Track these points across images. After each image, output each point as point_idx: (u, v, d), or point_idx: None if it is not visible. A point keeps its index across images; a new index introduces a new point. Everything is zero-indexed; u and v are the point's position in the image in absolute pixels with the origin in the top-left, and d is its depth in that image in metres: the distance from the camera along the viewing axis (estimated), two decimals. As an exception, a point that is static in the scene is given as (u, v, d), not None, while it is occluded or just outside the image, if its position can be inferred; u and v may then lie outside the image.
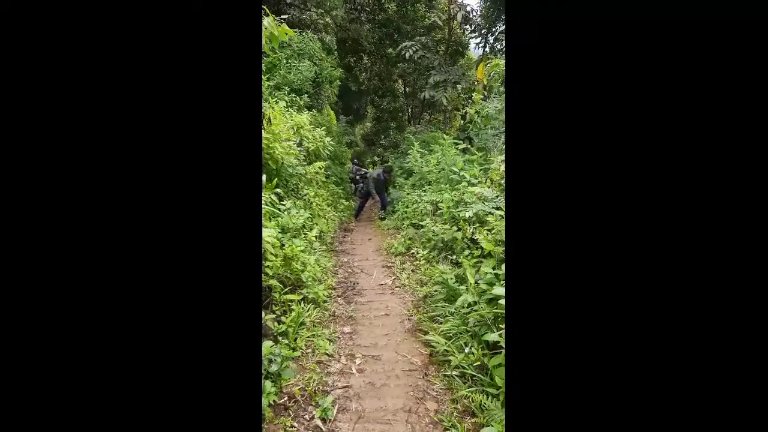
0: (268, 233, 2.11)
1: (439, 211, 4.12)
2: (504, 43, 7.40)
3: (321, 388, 1.94)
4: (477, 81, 6.37)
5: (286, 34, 1.87)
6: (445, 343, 2.15)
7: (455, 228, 3.36)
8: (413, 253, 3.89)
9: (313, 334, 2.38)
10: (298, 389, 1.87)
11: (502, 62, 3.72)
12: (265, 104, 3.72)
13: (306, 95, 5.46)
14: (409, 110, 11.77)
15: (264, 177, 2.41)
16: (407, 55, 7.54)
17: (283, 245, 2.50)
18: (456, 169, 4.24)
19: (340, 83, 8.14)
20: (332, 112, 8.44)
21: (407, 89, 11.49)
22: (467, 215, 2.97)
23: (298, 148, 3.74)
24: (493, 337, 1.72)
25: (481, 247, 2.54)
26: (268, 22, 1.70)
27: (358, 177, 9.67)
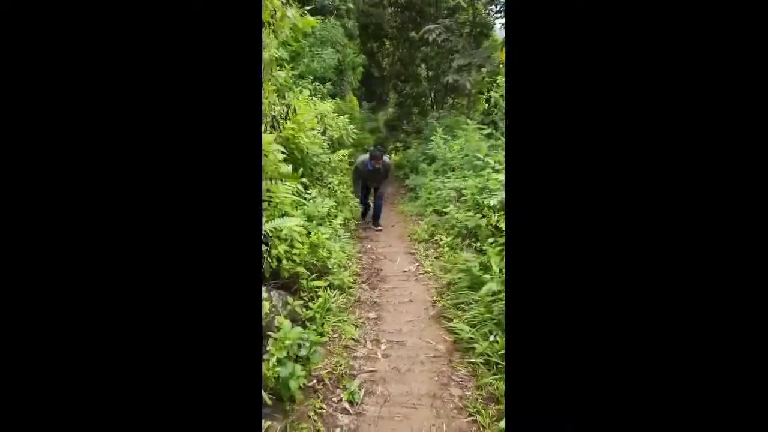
0: (295, 222, 2.17)
1: (462, 198, 4.09)
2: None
3: (348, 372, 2.01)
4: (502, 63, 6.19)
5: (311, 26, 1.88)
6: (470, 330, 2.17)
7: (479, 215, 3.34)
8: (437, 239, 3.89)
9: (340, 320, 2.45)
10: (326, 373, 1.94)
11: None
12: (290, 94, 3.75)
13: (329, 83, 5.47)
14: (432, 95, 11.58)
15: (290, 167, 2.46)
16: (430, 38, 7.39)
17: (309, 233, 2.56)
18: (480, 155, 4.17)
19: (362, 69, 8.09)
20: (355, 99, 8.42)
21: (430, 73, 11.28)
22: (492, 203, 2.94)
23: (323, 137, 3.77)
24: (518, 325, 1.73)
25: (507, 235, 2.52)
26: (291, 12, 1.72)
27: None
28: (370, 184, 4.80)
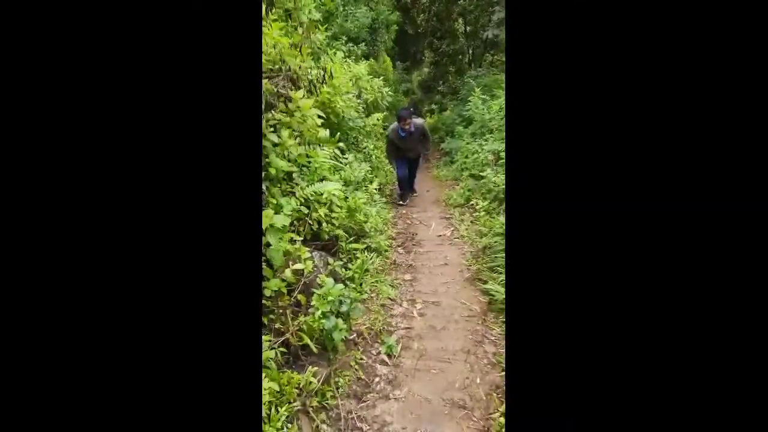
0: (334, 186, 2.23)
1: (501, 161, 3.99)
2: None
3: (385, 328, 2.13)
4: (547, 15, 5.74)
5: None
6: (505, 292, 2.20)
7: (517, 179, 3.27)
8: (472, 204, 3.87)
9: (377, 280, 2.56)
10: (366, 328, 2.07)
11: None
12: (324, 56, 3.72)
13: (363, 43, 5.34)
14: (470, 52, 11.00)
15: (327, 132, 2.50)
16: (469, -10, 6.93)
17: (347, 197, 2.63)
18: (520, 117, 4.00)
19: (396, 27, 7.79)
20: (388, 59, 8.18)
21: (468, 29, 10.67)
22: (531, 166, 2.86)
23: (357, 100, 3.75)
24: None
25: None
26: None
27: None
28: (408, 154, 4.19)
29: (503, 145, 3.97)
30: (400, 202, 4.49)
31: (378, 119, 4.44)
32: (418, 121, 4.13)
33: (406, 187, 4.59)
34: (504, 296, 2.16)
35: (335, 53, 3.85)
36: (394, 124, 4.09)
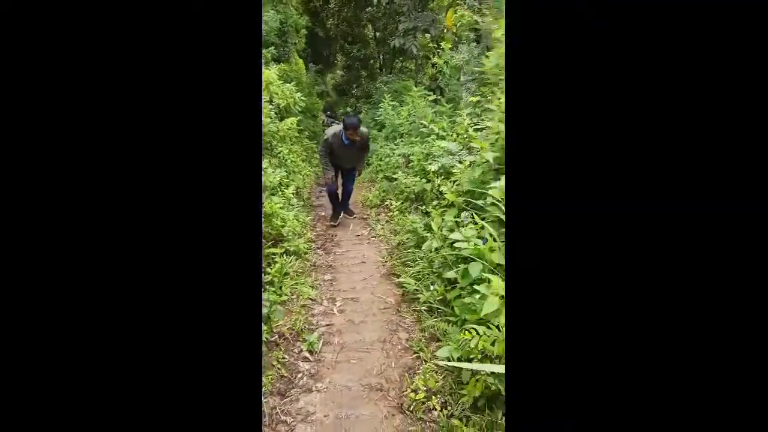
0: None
1: (410, 164, 4.30)
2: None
3: (307, 327, 2.22)
4: (446, 29, 6.28)
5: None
6: (415, 283, 2.44)
7: (425, 180, 3.58)
8: (387, 204, 4.11)
9: (297, 283, 2.63)
10: (287, 329, 2.14)
11: (468, 14, 3.73)
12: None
13: (272, 47, 5.29)
14: (381, 57, 11.43)
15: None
16: (375, 0, 7.25)
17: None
18: (425, 122, 4.37)
19: (306, 31, 7.80)
20: (301, 61, 8.15)
21: (377, 34, 11.07)
22: (434, 168, 3.17)
23: (270, 106, 3.75)
24: (450, 274, 2.01)
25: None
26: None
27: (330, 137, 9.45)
28: (343, 164, 3.70)
29: (413, 149, 4.28)
30: (331, 222, 3.95)
31: (291, 123, 4.47)
32: (364, 130, 3.66)
33: (338, 203, 3.97)
34: (415, 288, 2.39)
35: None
36: (337, 128, 3.57)
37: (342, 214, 4.06)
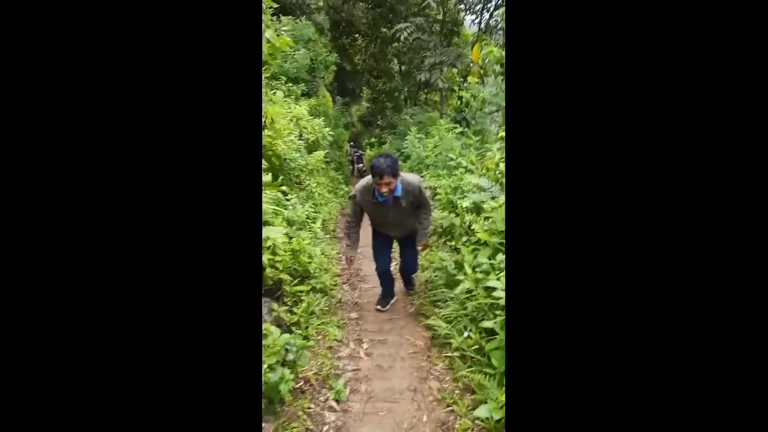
0: (277, 231, 2.24)
1: (437, 197, 4.24)
2: (499, 20, 7.31)
3: (333, 372, 2.12)
4: (472, 62, 6.36)
5: (289, 46, 1.94)
6: (446, 326, 2.32)
7: (453, 214, 3.50)
8: (413, 238, 4.03)
9: (323, 322, 2.55)
10: (312, 374, 2.05)
11: (496, 49, 3.76)
12: (264, 97, 3.77)
13: (302, 84, 5.48)
14: (406, 90, 11.69)
15: (270, 176, 2.52)
16: (401, 37, 7.47)
17: (291, 238, 2.64)
18: (453, 156, 4.34)
19: (335, 67, 8.09)
20: (328, 95, 8.41)
21: (403, 68, 11.37)
22: (465, 204, 3.10)
23: (299, 141, 3.82)
24: (488, 324, 1.89)
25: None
26: (269, 34, 1.77)
27: (355, 158, 9.72)
28: (388, 231, 2.53)
29: (439, 182, 4.24)
30: (378, 307, 2.76)
31: (319, 156, 4.54)
32: (410, 178, 2.35)
33: (390, 285, 2.77)
34: (445, 331, 2.27)
35: (275, 93, 3.92)
36: (366, 181, 2.33)
37: (395, 298, 2.83)
